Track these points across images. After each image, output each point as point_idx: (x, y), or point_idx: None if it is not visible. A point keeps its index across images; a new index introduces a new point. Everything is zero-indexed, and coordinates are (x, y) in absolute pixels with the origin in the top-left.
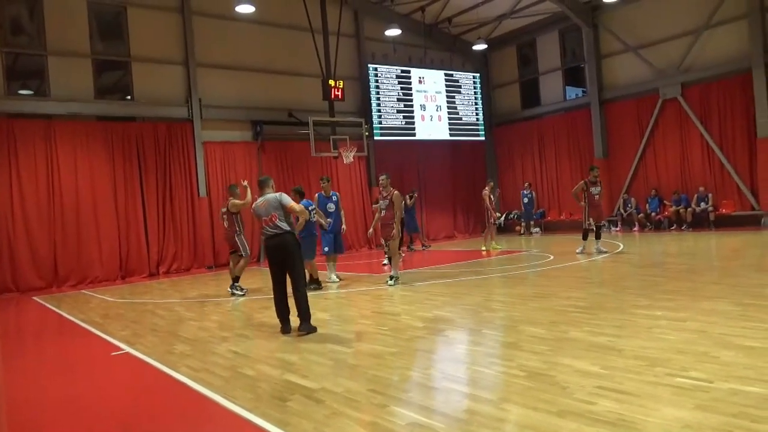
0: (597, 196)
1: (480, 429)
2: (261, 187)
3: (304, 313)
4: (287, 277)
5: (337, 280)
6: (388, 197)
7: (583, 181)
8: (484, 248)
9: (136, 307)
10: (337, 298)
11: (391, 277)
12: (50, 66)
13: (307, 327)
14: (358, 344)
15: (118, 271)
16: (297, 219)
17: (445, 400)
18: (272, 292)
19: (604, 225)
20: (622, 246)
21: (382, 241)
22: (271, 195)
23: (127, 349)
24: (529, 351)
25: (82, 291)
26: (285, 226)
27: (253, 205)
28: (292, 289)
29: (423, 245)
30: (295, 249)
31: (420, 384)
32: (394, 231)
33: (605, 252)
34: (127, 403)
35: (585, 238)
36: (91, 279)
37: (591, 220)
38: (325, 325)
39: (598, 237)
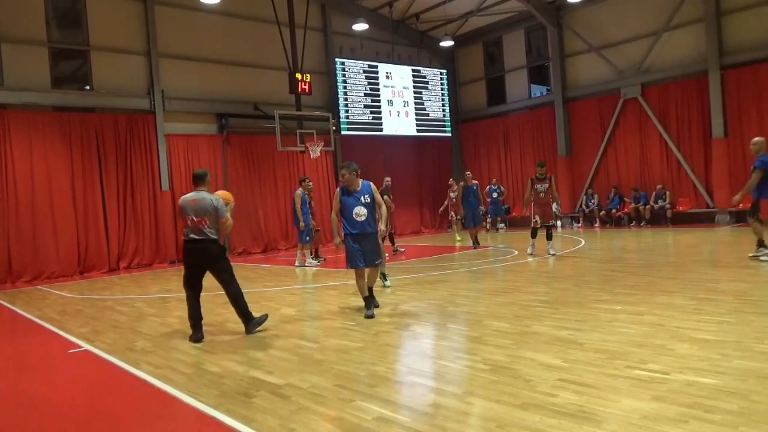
0: (542, 194)
1: (445, 422)
2: (196, 182)
3: (247, 314)
4: (201, 283)
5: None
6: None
7: (530, 179)
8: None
9: (96, 303)
10: (304, 293)
11: (385, 277)
12: (3, 53)
13: (253, 325)
14: (324, 339)
15: (76, 266)
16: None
17: (411, 395)
18: (186, 298)
19: (553, 224)
20: (583, 242)
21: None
22: (208, 195)
23: (85, 346)
24: (493, 345)
25: (38, 287)
26: (212, 233)
27: (182, 200)
28: (227, 293)
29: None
30: (219, 256)
31: (386, 378)
32: (390, 226)
33: (553, 254)
34: (85, 402)
35: (534, 236)
36: (47, 274)
37: (537, 218)
38: (291, 320)
39: (549, 238)
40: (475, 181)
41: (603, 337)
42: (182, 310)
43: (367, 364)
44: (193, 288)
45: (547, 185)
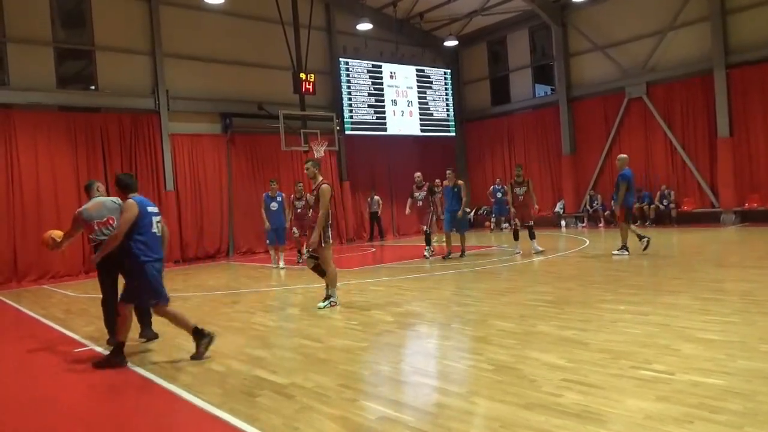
0: (520, 197)
1: (449, 422)
2: (91, 191)
3: (147, 321)
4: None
5: (285, 266)
6: (315, 191)
7: (509, 184)
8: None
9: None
10: (307, 292)
11: (326, 297)
12: (9, 53)
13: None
14: (328, 339)
15: (81, 265)
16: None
17: (415, 394)
18: (106, 304)
19: (532, 224)
20: (587, 241)
21: (303, 251)
22: (108, 198)
23: (91, 345)
24: (497, 345)
25: (44, 286)
26: None
27: (80, 213)
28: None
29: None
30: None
31: (390, 378)
32: (315, 235)
33: (541, 251)
34: (90, 401)
35: (516, 238)
36: (52, 274)
37: (516, 220)
38: (294, 319)
39: (532, 237)
40: (460, 182)
41: (608, 337)
42: (186, 310)
43: (371, 364)
44: (114, 294)
45: (525, 188)
